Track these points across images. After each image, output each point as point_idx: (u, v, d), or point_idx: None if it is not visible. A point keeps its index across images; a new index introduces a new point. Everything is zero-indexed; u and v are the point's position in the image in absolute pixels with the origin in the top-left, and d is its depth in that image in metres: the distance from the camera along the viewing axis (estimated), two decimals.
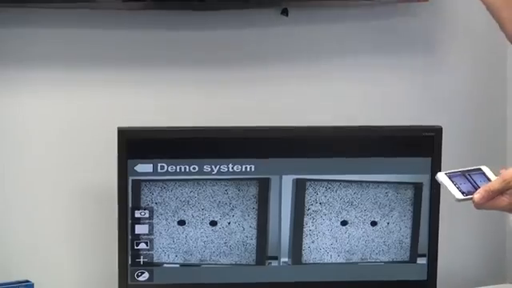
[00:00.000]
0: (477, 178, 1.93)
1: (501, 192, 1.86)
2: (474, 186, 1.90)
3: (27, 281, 2.20)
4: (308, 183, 2.40)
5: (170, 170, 2.34)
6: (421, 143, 2.44)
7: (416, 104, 2.84)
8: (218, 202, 2.37)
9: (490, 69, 2.99)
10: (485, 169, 1.95)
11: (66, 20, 2.47)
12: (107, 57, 2.54)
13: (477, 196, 1.85)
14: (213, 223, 2.37)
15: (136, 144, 2.34)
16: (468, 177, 1.94)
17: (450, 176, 1.91)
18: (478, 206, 1.88)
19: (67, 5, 2.45)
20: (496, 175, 1.92)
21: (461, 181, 1.91)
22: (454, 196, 1.86)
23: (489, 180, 1.92)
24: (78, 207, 2.52)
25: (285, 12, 2.62)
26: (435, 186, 2.40)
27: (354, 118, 2.62)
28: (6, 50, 2.42)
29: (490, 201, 1.88)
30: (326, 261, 2.44)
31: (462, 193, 1.87)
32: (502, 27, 2.29)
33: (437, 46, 2.91)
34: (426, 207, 2.44)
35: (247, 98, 2.67)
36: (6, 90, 2.44)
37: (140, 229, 2.34)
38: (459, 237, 2.60)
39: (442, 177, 1.91)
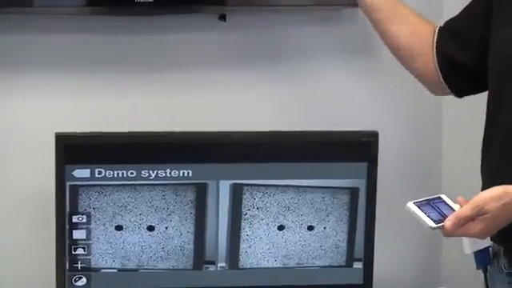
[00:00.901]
0: (441, 207, 1.97)
1: (472, 218, 1.89)
2: (440, 214, 1.94)
3: None
4: (245, 188, 2.40)
5: (107, 175, 2.34)
6: (357, 148, 2.46)
7: (354, 109, 2.83)
8: (155, 207, 2.37)
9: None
10: (444, 197, 1.99)
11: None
12: (45, 61, 2.54)
13: (448, 223, 1.89)
14: (150, 228, 2.37)
15: (73, 149, 2.34)
16: (433, 205, 1.97)
17: (419, 205, 1.95)
18: (449, 233, 1.92)
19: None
20: (454, 202, 1.97)
21: (429, 210, 1.95)
22: (428, 224, 1.90)
23: (451, 207, 1.96)
24: (16, 212, 2.52)
25: (223, 18, 2.63)
26: (371, 191, 2.45)
27: (292, 123, 2.62)
28: None
29: (460, 228, 1.91)
30: (262, 265, 2.45)
31: (434, 221, 1.91)
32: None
33: (376, 50, 2.84)
34: (362, 212, 2.45)
35: (185, 101, 2.68)
36: None
37: (77, 234, 2.34)
38: (395, 241, 2.63)
39: (412, 207, 1.94)
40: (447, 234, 1.93)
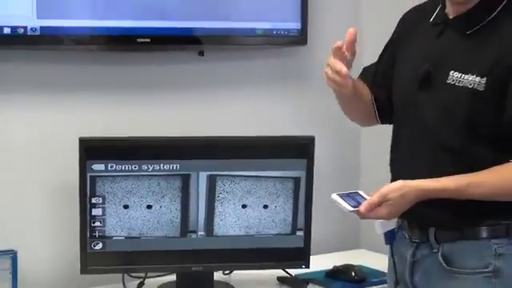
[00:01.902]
0: (357, 197, 1.99)
1: (379, 204, 1.92)
2: (357, 202, 1.96)
3: (11, 250, 2.16)
4: (218, 178, 2.43)
5: (117, 168, 2.36)
6: (299, 148, 2.47)
7: (296, 120, 2.84)
8: (152, 191, 2.39)
9: None
10: (360, 192, 2.01)
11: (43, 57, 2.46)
12: (69, 85, 2.51)
13: (362, 208, 1.91)
14: (149, 207, 2.39)
15: (92, 149, 2.34)
16: (351, 196, 1.99)
17: (341, 196, 1.97)
18: (363, 215, 1.94)
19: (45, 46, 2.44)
20: (368, 195, 1.99)
21: (348, 199, 1.97)
22: (347, 209, 1.94)
23: (364, 198, 1.98)
24: (52, 195, 2.50)
25: (201, 53, 2.65)
26: (309, 179, 2.47)
27: (252, 130, 2.59)
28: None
29: (371, 211, 1.93)
30: (230, 233, 2.46)
31: (351, 206, 1.94)
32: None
33: (313, 79, 2.84)
34: (302, 194, 2.46)
35: (173, 114, 2.66)
36: (2, 111, 2.43)
37: (95, 211, 2.36)
38: (326, 215, 2.54)
39: (335, 197, 1.97)
40: (362, 216, 1.95)
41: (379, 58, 2.29)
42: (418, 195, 1.94)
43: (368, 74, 2.26)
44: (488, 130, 1.94)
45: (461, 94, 1.94)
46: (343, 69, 1.94)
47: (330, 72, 1.99)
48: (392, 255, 2.12)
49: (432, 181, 1.95)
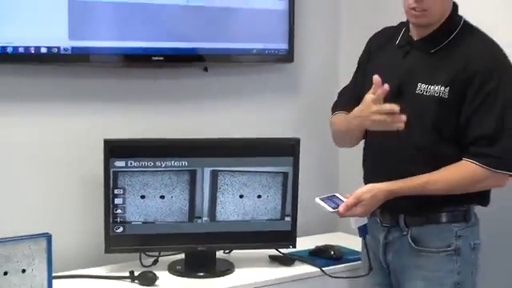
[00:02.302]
0: (335, 200, 2.06)
1: (355, 205, 2.00)
2: (336, 204, 2.04)
3: (46, 233, 2.09)
4: (219, 173, 2.45)
5: (135, 164, 2.38)
6: (287, 148, 2.49)
7: (285, 125, 2.84)
8: (165, 184, 2.41)
9: (328, 104, 2.72)
10: (337, 194, 2.09)
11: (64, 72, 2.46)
12: (95, 94, 2.53)
13: (341, 209, 2.00)
14: (162, 197, 2.42)
15: (115, 149, 2.36)
16: (331, 199, 2.07)
17: (322, 199, 2.06)
18: (342, 214, 2.02)
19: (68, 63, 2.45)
20: (344, 197, 2.06)
21: (328, 202, 2.06)
22: (328, 210, 2.03)
23: (341, 200, 2.05)
24: (81, 188, 2.52)
25: (205, 69, 2.67)
26: (295, 174, 2.48)
27: (249, 133, 2.62)
28: (26, 93, 2.41)
29: (348, 211, 2.01)
30: (230, 219, 2.49)
31: (332, 208, 2.03)
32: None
33: (299, 91, 2.94)
34: (290, 186, 2.50)
35: (181, 120, 2.66)
36: (40, 117, 2.44)
37: (117, 201, 2.38)
38: (308, 204, 2.38)
39: (318, 201, 2.06)
40: (341, 215, 2.03)
41: (354, 82, 2.30)
42: (387, 195, 2.00)
43: (351, 102, 2.19)
44: (450, 132, 1.99)
45: (429, 102, 1.99)
46: (395, 107, 1.91)
47: (382, 117, 1.93)
48: (366, 246, 2.16)
49: (397, 182, 2.00)
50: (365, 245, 2.18)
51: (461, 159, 1.98)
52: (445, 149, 2.00)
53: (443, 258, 2.03)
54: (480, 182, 1.98)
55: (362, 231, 2.11)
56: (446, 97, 1.97)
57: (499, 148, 1.93)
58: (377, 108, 1.93)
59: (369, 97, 1.95)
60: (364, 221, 2.08)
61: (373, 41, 2.26)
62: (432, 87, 2.00)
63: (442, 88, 1.97)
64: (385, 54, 2.17)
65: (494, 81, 1.94)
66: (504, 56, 2.01)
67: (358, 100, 2.08)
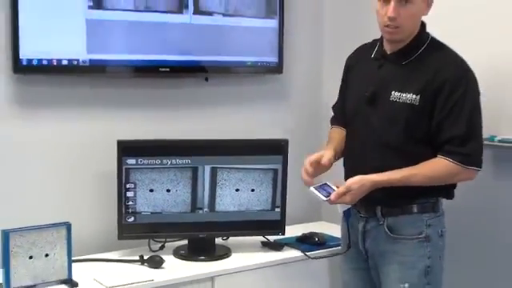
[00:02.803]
0: (327, 188, 2.05)
1: (344, 193, 2.00)
2: (327, 192, 2.03)
3: (67, 222, 2.13)
4: (218, 169, 2.44)
5: (144, 162, 2.37)
6: (277, 148, 2.48)
7: (275, 127, 2.83)
8: (170, 179, 2.40)
9: (313, 109, 2.99)
10: (328, 183, 2.07)
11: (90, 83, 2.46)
12: (108, 102, 2.51)
13: (332, 197, 2.00)
14: (168, 190, 2.41)
15: (126, 148, 2.36)
16: (323, 188, 2.05)
17: (316, 189, 2.04)
18: (333, 202, 2.00)
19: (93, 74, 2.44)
20: (334, 185, 2.05)
21: (321, 191, 2.04)
22: (322, 199, 2.02)
23: (332, 188, 2.04)
24: (97, 182, 2.50)
25: (206, 79, 2.66)
26: (284, 171, 2.47)
27: (242, 135, 2.60)
28: (46, 99, 2.39)
29: (339, 199, 2.00)
30: (227, 210, 2.48)
31: (325, 197, 2.02)
32: None
33: (288, 98, 2.93)
34: (279, 181, 2.48)
35: (184, 124, 2.63)
36: (62, 121, 2.42)
37: (129, 194, 2.38)
38: (296, 197, 2.56)
39: (312, 189, 2.05)
40: (332, 202, 2.02)
41: (340, 98, 2.28)
42: (373, 185, 1.99)
43: (340, 119, 2.26)
44: (423, 134, 1.99)
45: (401, 108, 1.99)
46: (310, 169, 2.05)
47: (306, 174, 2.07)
48: (347, 226, 2.15)
49: (382, 175, 1.99)
50: (347, 227, 2.16)
51: (429, 157, 1.98)
52: (415, 148, 2.00)
53: (415, 245, 2.03)
54: (454, 176, 1.99)
55: (347, 215, 2.11)
56: (417, 104, 1.97)
57: (469, 147, 1.95)
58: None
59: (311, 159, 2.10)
60: (348, 206, 2.07)
61: (351, 57, 2.26)
62: (404, 95, 1.99)
63: (414, 96, 1.97)
64: (362, 66, 2.17)
65: (461, 88, 1.95)
66: (468, 66, 2.01)
67: (345, 113, 2.17)
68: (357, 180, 2.00)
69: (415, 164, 1.98)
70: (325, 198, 2.02)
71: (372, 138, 2.06)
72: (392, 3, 1.95)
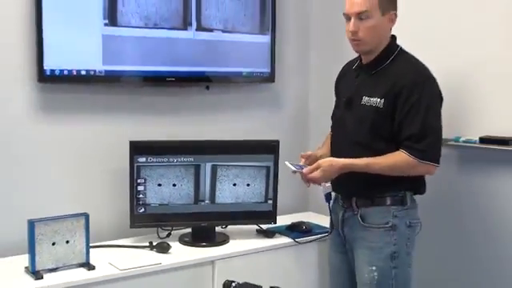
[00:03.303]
0: (302, 166, 2.08)
1: (316, 169, 2.00)
2: (300, 167, 2.05)
3: (85, 213, 2.13)
4: (218, 166, 2.44)
5: (153, 160, 2.37)
6: (270, 148, 2.47)
7: (268, 130, 2.83)
8: (176, 175, 2.39)
9: (301, 114, 2.98)
10: (304, 165, 2.08)
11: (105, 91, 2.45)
12: (124, 108, 2.50)
13: (305, 170, 2.02)
14: (174, 185, 2.40)
15: (137, 148, 2.34)
16: (298, 165, 2.08)
17: (291, 163, 2.07)
18: (305, 175, 2.01)
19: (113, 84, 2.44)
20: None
21: (295, 166, 2.07)
22: (293, 169, 2.04)
23: (307, 166, 2.05)
24: (112, 178, 2.47)
25: (207, 88, 2.65)
26: (276, 167, 2.46)
27: (239, 136, 2.58)
28: (74, 106, 2.38)
29: (310, 173, 2.00)
30: (226, 202, 2.46)
31: (297, 169, 2.04)
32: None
33: (279, 104, 2.91)
34: (271, 177, 2.48)
35: (188, 127, 2.61)
36: (81, 123, 2.41)
37: (140, 188, 2.37)
38: (286, 191, 2.62)
39: (287, 163, 2.09)
40: (304, 176, 2.02)
41: (334, 106, 2.28)
42: (341, 167, 2.00)
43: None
44: (387, 133, 2.00)
45: (369, 110, 2.00)
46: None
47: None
48: (330, 211, 2.18)
49: (349, 159, 2.01)
50: (329, 209, 2.16)
51: (390, 152, 1.99)
52: (380, 145, 2.00)
53: (382, 233, 2.02)
54: (411, 168, 1.97)
55: (327, 198, 2.10)
56: (381, 107, 1.98)
57: (424, 144, 1.94)
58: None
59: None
60: (329, 189, 2.06)
61: (341, 71, 2.26)
62: (372, 99, 2.00)
63: (379, 100, 1.98)
64: (347, 77, 2.20)
65: (417, 93, 1.95)
66: (427, 74, 2.01)
67: None
68: (327, 160, 2.03)
69: None
70: (295, 169, 2.02)
71: (347, 137, 2.08)
72: (352, 20, 1.99)
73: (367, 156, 1.99)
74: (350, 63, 2.21)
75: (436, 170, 2.00)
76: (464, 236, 2.38)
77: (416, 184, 2.06)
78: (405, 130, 1.96)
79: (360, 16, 1.98)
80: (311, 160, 2.11)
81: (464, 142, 2.27)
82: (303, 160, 2.14)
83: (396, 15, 2.04)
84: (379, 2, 1.98)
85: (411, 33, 2.21)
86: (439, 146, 1.99)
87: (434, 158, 1.97)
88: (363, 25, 1.99)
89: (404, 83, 1.97)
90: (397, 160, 1.97)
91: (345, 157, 2.04)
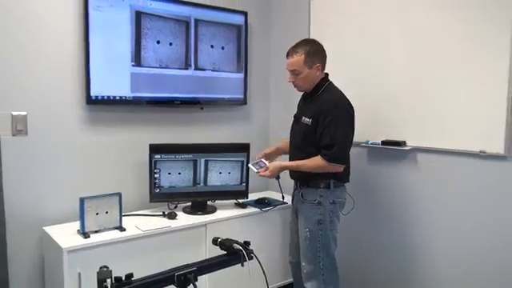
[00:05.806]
0: (260, 163, 2.07)
1: (266, 170, 2.03)
2: (260, 166, 2.05)
3: (118, 192, 2.05)
4: (209, 161, 2.39)
5: (165, 157, 2.31)
6: (243, 148, 2.42)
7: (242, 136, 2.77)
8: (180, 166, 2.34)
9: (263, 126, 2.91)
10: (263, 159, 2.07)
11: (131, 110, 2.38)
12: (145, 123, 2.44)
13: (261, 172, 2.03)
14: (179, 173, 2.35)
15: (155, 149, 2.29)
16: (258, 163, 2.06)
17: (253, 164, 2.06)
18: (259, 174, 2.03)
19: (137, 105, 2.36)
20: (266, 160, 2.04)
21: (256, 166, 2.05)
22: (254, 171, 2.04)
23: (264, 163, 2.05)
24: (136, 169, 2.41)
25: (202, 108, 2.60)
26: (247, 162, 2.38)
27: (226, 139, 2.62)
28: (106, 118, 2.31)
29: (263, 172, 2.02)
30: (214, 184, 2.42)
31: (257, 170, 2.03)
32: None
33: (250, 119, 2.82)
34: (244, 168, 2.41)
35: (188, 134, 2.57)
36: (116, 133, 2.35)
37: (156, 175, 2.31)
38: (253, 178, 2.42)
39: (250, 165, 2.08)
40: (259, 175, 2.03)
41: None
42: (281, 167, 2.00)
43: None
44: (313, 141, 1.95)
45: (304, 126, 1.98)
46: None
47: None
48: (279, 185, 2.14)
49: (286, 162, 2.00)
50: (279, 184, 2.12)
51: (317, 154, 1.96)
52: (310, 149, 1.97)
53: (312, 207, 1.99)
54: (325, 168, 1.93)
55: (277, 178, 2.08)
56: (310, 124, 1.95)
57: (332, 151, 1.91)
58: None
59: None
60: (257, 167, 2.04)
61: (300, 98, 2.16)
62: (306, 119, 1.97)
63: (308, 119, 1.95)
64: (300, 102, 2.15)
65: (330, 116, 1.91)
66: (338, 102, 1.93)
67: None
68: (273, 163, 2.03)
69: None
70: (256, 171, 2.01)
71: (293, 143, 2.06)
72: (289, 74, 1.96)
73: (303, 156, 1.96)
74: (304, 92, 2.12)
75: (342, 168, 1.94)
76: (371, 207, 2.36)
77: (338, 175, 1.99)
78: (322, 140, 1.92)
79: (293, 72, 1.94)
80: (272, 156, 2.13)
81: (371, 144, 2.27)
82: (263, 155, 2.12)
83: (322, 64, 1.97)
84: (304, 61, 1.92)
85: (344, 71, 2.23)
86: (344, 153, 1.93)
87: (340, 161, 1.93)
88: (297, 77, 1.95)
89: (322, 108, 1.92)
90: (316, 163, 1.94)
91: (293, 155, 2.03)
